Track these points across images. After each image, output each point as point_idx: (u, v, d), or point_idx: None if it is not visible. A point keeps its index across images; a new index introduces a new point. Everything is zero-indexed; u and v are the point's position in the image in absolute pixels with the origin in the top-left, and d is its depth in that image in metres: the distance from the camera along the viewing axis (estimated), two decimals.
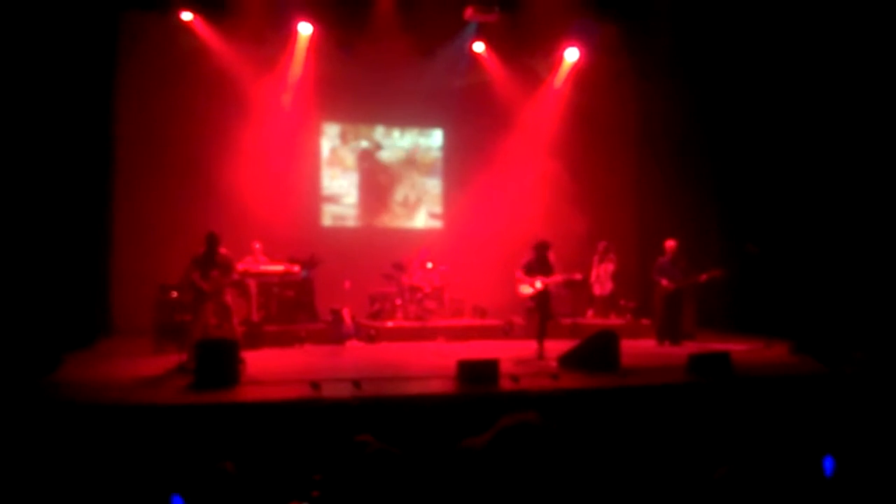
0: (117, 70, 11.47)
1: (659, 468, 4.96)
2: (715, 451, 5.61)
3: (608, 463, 5.11)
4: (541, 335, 9.57)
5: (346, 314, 11.25)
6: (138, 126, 11.92)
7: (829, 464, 2.76)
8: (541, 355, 9.27)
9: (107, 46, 11.10)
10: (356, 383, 6.95)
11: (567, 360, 8.61)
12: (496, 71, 13.76)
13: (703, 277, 10.81)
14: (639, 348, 10.21)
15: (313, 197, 14.00)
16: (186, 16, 11.73)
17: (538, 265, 9.71)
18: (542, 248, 9.79)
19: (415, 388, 7.41)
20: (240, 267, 10.07)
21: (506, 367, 7.80)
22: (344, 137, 14.28)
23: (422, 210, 14.77)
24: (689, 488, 2.81)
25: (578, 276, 10.63)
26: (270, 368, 8.41)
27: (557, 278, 9.83)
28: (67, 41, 9.83)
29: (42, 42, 9.38)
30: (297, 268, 11.55)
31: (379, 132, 14.50)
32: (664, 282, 10.89)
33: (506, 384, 7.34)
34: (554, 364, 8.62)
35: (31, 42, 9.24)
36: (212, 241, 8.68)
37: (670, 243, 11.06)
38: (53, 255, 9.48)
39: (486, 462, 2.45)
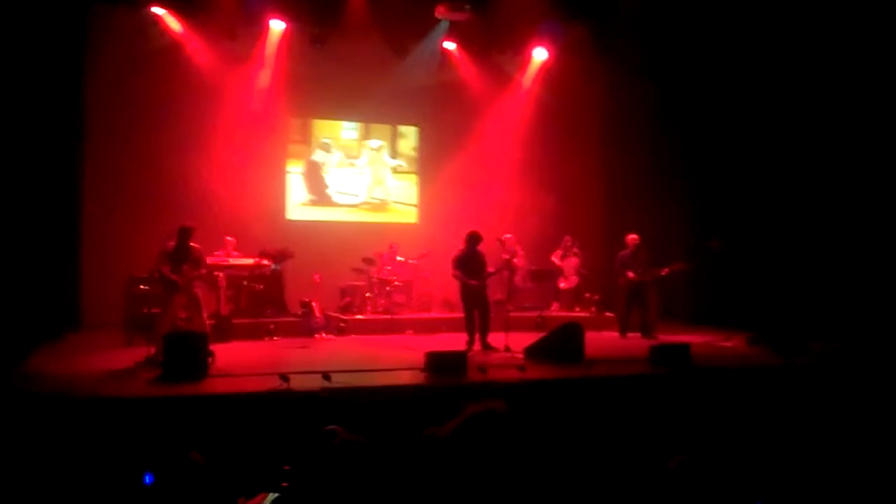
0: (86, 64, 11.33)
1: (620, 456, 5.10)
2: (672, 440, 5.82)
3: (570, 450, 5.24)
4: (481, 328, 9.72)
5: (316, 307, 11.31)
6: (108, 120, 11.80)
7: None
8: (485, 345, 9.57)
9: (75, 40, 10.95)
10: (326, 375, 6.91)
11: (533, 352, 8.77)
12: (467, 69, 13.80)
13: (666, 271, 10.97)
14: (603, 340, 10.45)
15: (284, 191, 13.98)
16: (157, 10, 11.61)
17: (469, 258, 9.72)
18: (473, 240, 9.79)
19: (384, 380, 7.44)
20: (209, 260, 10.03)
21: (473, 358, 7.95)
22: (317, 133, 14.27)
23: (395, 205, 14.83)
24: (645, 476, 2.88)
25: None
26: (239, 361, 8.42)
27: (491, 272, 9.86)
28: (36, 35, 9.74)
29: (9, 36, 9.29)
30: (266, 261, 11.58)
31: (352, 128, 14.51)
32: (628, 274, 11.06)
33: (474, 375, 7.48)
34: (520, 355, 8.79)
35: None
36: (184, 235, 8.67)
37: (632, 237, 11.22)
38: (21, 248, 9.40)
39: (452, 448, 2.51)
